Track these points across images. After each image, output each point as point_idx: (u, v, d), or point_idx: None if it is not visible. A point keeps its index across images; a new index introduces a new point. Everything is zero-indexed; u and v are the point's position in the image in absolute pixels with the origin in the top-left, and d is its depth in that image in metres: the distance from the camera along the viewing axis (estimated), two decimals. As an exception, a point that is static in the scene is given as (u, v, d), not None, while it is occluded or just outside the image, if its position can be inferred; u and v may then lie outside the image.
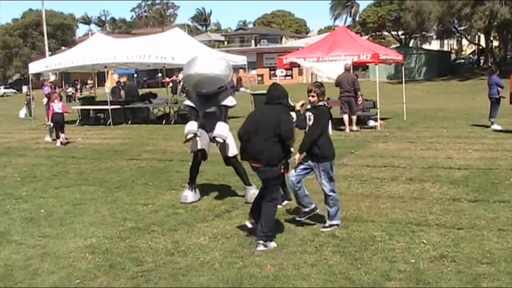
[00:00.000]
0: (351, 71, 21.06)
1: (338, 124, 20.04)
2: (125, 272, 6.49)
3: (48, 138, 20.68)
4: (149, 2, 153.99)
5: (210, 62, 9.65)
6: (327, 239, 7.48)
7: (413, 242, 7.21)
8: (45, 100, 23.73)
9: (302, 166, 7.96)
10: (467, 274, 6.05)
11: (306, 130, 7.90)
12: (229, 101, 9.72)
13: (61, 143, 19.23)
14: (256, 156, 7.31)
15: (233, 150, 9.83)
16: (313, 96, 7.86)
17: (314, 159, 7.87)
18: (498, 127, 18.48)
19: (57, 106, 19.69)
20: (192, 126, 9.61)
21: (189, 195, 9.92)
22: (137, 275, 6.38)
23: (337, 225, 7.96)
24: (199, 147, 9.69)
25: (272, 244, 7.23)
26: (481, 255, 6.65)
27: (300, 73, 66.91)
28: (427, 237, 7.41)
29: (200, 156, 9.88)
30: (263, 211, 7.36)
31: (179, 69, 32.62)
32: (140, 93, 30.41)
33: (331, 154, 7.97)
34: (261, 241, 7.18)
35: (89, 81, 48.33)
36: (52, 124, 19.85)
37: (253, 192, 9.30)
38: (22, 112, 32.65)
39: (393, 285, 5.86)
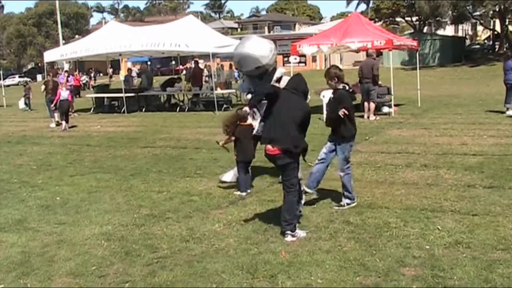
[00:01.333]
0: (375, 57, 20.90)
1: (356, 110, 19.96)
2: (141, 259, 6.54)
3: (52, 124, 21.70)
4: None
5: (247, 42, 9.69)
6: (341, 225, 7.49)
7: (427, 229, 7.20)
8: (42, 87, 23.97)
9: (327, 146, 8.44)
10: (482, 260, 6.04)
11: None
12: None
13: (65, 129, 20.16)
14: (277, 141, 7.05)
15: None
16: (331, 80, 8.17)
17: (333, 139, 8.41)
18: (514, 113, 18.34)
19: (64, 93, 20.71)
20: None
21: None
22: (152, 262, 6.43)
23: (347, 203, 8.37)
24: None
25: (300, 233, 7.11)
26: (496, 241, 6.63)
27: (314, 59, 66.63)
28: (442, 223, 7.39)
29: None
30: (285, 200, 7.20)
31: (193, 57, 32.58)
32: (166, 79, 30.31)
33: (350, 135, 8.35)
34: (288, 231, 7.05)
35: (109, 70, 48.37)
36: (55, 108, 21.09)
37: None
38: (21, 103, 32.48)
39: (408, 271, 5.86)
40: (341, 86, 8.18)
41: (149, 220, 8.15)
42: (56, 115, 21.85)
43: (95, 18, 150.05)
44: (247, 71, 8.95)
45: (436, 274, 5.74)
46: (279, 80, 8.84)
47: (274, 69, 8.83)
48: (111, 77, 48.04)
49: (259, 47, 8.87)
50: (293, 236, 7.03)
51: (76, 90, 36.48)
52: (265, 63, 8.67)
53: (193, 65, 30.93)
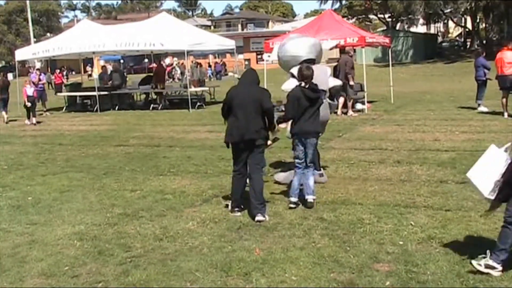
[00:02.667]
0: (352, 54, 21.03)
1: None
2: (114, 258, 6.48)
3: (27, 121, 22.10)
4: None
5: (285, 44, 9.77)
6: (315, 222, 7.50)
7: (401, 224, 7.25)
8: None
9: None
10: (455, 255, 6.09)
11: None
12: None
13: (33, 123, 21.39)
14: (247, 130, 7.66)
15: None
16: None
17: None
18: (485, 109, 18.54)
19: (29, 90, 21.95)
20: None
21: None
22: (125, 261, 6.37)
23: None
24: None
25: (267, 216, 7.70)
26: (468, 236, 6.69)
27: (287, 57, 66.69)
28: (415, 219, 7.45)
29: None
30: (255, 182, 7.80)
31: (167, 54, 32.44)
32: (143, 77, 30.11)
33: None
34: (263, 212, 7.69)
35: (88, 68, 47.87)
36: (29, 104, 21.84)
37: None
38: None
39: (382, 267, 5.88)
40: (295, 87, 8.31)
41: (122, 219, 8.09)
42: (4, 112, 22.80)
43: (67, 16, 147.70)
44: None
45: (410, 269, 5.77)
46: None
47: None
48: (90, 75, 47.61)
49: (293, 48, 9.49)
50: (263, 216, 7.64)
51: (58, 88, 36.15)
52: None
53: (167, 63, 30.76)
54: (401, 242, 6.58)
